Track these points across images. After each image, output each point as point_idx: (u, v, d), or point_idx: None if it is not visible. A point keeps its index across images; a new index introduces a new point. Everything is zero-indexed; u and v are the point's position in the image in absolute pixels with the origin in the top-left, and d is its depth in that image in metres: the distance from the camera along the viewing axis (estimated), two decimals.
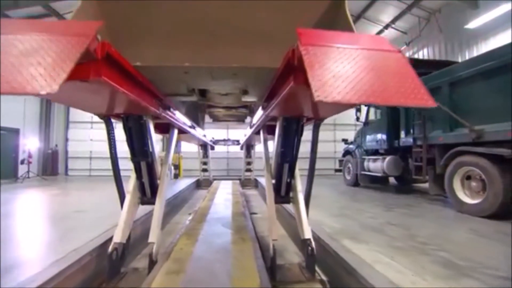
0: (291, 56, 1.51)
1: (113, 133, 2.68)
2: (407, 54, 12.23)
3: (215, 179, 9.91)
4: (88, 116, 12.56)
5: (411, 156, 6.10)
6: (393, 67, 1.36)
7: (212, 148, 10.00)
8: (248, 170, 9.94)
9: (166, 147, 3.64)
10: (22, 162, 10.74)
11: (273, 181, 3.30)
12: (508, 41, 4.58)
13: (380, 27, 12.22)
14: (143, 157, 2.86)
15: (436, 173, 5.26)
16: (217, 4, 2.21)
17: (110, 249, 2.49)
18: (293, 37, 1.48)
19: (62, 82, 1.03)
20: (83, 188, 8.04)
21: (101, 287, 2.44)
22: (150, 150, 2.85)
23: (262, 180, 6.74)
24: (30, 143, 11.23)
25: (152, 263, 2.48)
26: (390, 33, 12.32)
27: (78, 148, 12.26)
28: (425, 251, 2.75)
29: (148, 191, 3.11)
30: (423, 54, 11.40)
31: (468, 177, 4.69)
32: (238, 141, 10.10)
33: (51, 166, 11.89)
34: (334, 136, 12.76)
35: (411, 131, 6.03)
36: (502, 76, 4.03)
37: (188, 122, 4.10)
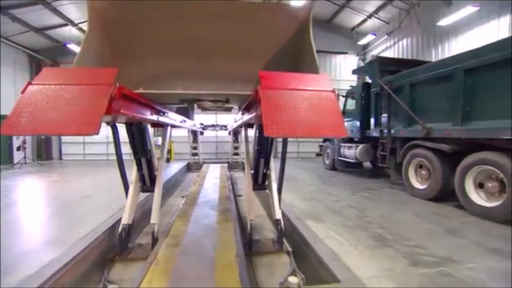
0: (255, 95, 2.17)
1: (118, 136, 3.30)
2: (388, 44, 12.83)
3: (204, 162, 10.59)
4: None
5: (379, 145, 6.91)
6: (326, 104, 2.02)
7: (202, 133, 10.58)
8: (236, 154, 10.64)
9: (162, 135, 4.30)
10: (18, 149, 10.99)
11: (252, 172, 4.05)
12: (472, 40, 5.22)
13: (364, 17, 12.66)
14: (143, 154, 3.53)
15: (397, 162, 6.09)
16: (207, 28, 2.84)
17: (119, 229, 3.18)
18: (269, 53, 2.15)
19: (99, 126, 1.66)
20: (81, 174, 8.43)
21: (115, 259, 3.14)
22: (149, 148, 3.51)
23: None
24: None
25: (154, 240, 3.19)
26: (373, 22, 12.79)
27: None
28: (366, 228, 3.57)
29: (147, 181, 3.80)
30: (403, 44, 11.97)
31: (420, 166, 5.52)
32: (226, 126, 10.69)
33: (45, 152, 12.19)
34: None
35: (380, 124, 6.79)
36: (446, 84, 4.75)
37: (179, 118, 4.70)
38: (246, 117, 3.13)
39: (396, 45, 12.29)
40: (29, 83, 1.78)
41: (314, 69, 2.55)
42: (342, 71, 14.19)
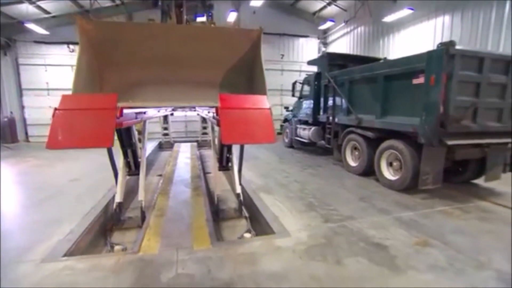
0: (216, 111, 3.16)
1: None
2: (345, 30, 13.91)
3: (175, 142, 11.38)
4: (43, 83, 12.47)
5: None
6: (264, 119, 3.07)
7: (172, 114, 11.22)
8: (204, 133, 11.54)
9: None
10: None
11: (217, 156, 5.16)
12: (412, 36, 6.39)
13: (324, 3, 13.49)
14: (129, 146, 4.43)
15: (338, 143, 7.46)
16: (177, 45, 3.75)
17: (114, 206, 4.11)
18: (227, 64, 3.21)
19: (113, 139, 2.57)
20: (58, 158, 8.46)
21: (113, 229, 4.08)
22: (134, 141, 4.41)
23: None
24: None
25: (142, 213, 4.17)
26: (332, 9, 13.71)
27: (37, 115, 12.32)
28: (302, 198, 4.84)
29: (133, 166, 4.72)
30: (358, 32, 13.12)
31: (355, 148, 6.92)
32: (194, 107, 11.39)
33: (10, 134, 12.00)
34: (281, 101, 14.52)
35: (327, 111, 8.05)
36: (372, 84, 6.00)
37: (155, 112, 5.53)
38: (212, 120, 4.17)
39: (352, 32, 13.43)
40: (56, 109, 2.62)
41: (263, 91, 3.56)
42: (304, 54, 15.17)
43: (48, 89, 12.49)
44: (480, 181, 5.77)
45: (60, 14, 12.28)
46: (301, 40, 15.17)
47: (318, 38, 15.47)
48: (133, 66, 4.01)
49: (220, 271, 2.61)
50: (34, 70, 12.64)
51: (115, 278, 2.50)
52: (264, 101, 3.23)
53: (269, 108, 3.20)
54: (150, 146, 10.15)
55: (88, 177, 5.92)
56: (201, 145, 11.40)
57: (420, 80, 4.82)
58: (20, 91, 12.67)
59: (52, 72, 12.59)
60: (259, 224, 4.25)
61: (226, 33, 4.44)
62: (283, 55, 14.69)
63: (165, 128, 11.20)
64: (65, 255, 2.91)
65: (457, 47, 4.42)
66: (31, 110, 12.76)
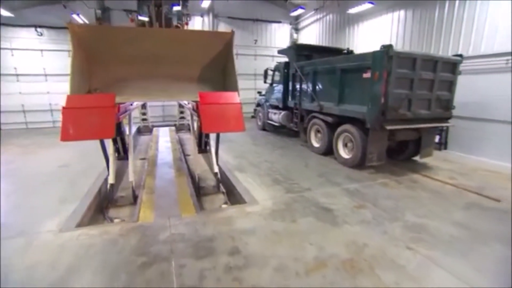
0: (196, 106, 3.90)
1: None
2: (316, 17, 14.60)
3: (153, 126, 11.83)
4: (10, 68, 12.09)
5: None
6: (235, 112, 3.86)
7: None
8: (182, 118, 12.06)
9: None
10: None
11: (197, 140, 5.92)
12: (373, 27, 7.25)
13: None
14: (119, 134, 5.04)
15: (304, 127, 8.42)
16: (158, 45, 4.36)
17: (108, 186, 4.77)
18: (203, 60, 3.99)
19: (114, 130, 3.26)
20: (38, 145, 8.37)
21: (108, 206, 4.74)
22: (122, 129, 5.04)
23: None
24: None
25: (134, 192, 4.87)
26: None
27: (7, 102, 12.06)
28: (271, 175, 5.76)
29: (121, 152, 5.35)
30: (327, 20, 13.85)
31: (318, 131, 7.90)
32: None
33: None
34: (255, 85, 15.14)
35: (294, 97, 8.92)
36: (332, 76, 6.90)
37: (139, 103, 6.10)
38: (192, 111, 4.91)
39: (322, 20, 14.13)
40: (63, 108, 3.23)
41: (235, 88, 4.30)
42: (277, 39, 15.75)
43: (17, 75, 12.17)
44: (417, 158, 6.99)
45: None
46: (274, 25, 15.68)
47: (290, 24, 16.05)
48: (119, 63, 4.57)
49: (204, 230, 3.46)
50: None
51: (123, 238, 3.27)
52: (235, 97, 4.00)
53: (240, 103, 3.98)
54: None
55: (76, 163, 6.35)
56: (179, 128, 11.95)
57: (368, 74, 5.76)
58: None
59: (20, 57, 12.22)
60: (233, 197, 5.13)
61: (202, 35, 5.07)
62: (256, 40, 15.17)
63: (144, 114, 11.58)
64: (77, 226, 3.60)
65: (396, 49, 5.37)
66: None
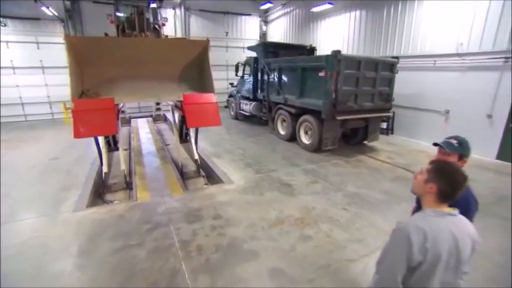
0: (181, 105, 4.81)
1: None
2: (284, 11, 15.48)
3: (131, 118, 12.30)
4: (7, 61, 11.78)
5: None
6: (212, 110, 4.83)
7: None
8: (158, 109, 12.63)
9: None
10: None
11: (178, 131, 6.80)
12: (332, 25, 8.37)
13: None
14: None
15: (272, 117, 9.51)
16: (143, 51, 5.12)
17: (103, 175, 5.55)
18: (183, 62, 4.98)
19: (116, 128, 4.12)
20: (20, 139, 8.37)
21: (104, 192, 5.52)
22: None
23: (169, 115, 9.92)
24: None
25: (125, 178, 5.69)
26: None
27: (5, 94, 11.79)
28: (243, 160, 6.81)
29: (112, 144, 6.11)
30: (294, 14, 14.77)
31: (283, 120, 9.02)
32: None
33: None
34: (227, 75, 15.89)
35: (263, 90, 9.93)
36: (294, 72, 7.98)
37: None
38: (174, 108, 5.79)
39: (289, 14, 15.01)
40: (74, 111, 4.00)
41: (211, 89, 5.20)
42: (247, 31, 16.47)
43: (13, 67, 11.85)
44: (367, 142, 8.37)
45: None
46: (244, 18, 16.34)
47: (260, 17, 16.79)
48: (109, 66, 5.27)
49: (192, 203, 4.46)
50: None
51: (129, 213, 4.17)
52: (212, 98, 4.94)
53: (216, 102, 4.93)
54: None
55: (65, 155, 6.92)
56: (155, 119, 12.54)
57: (322, 73, 6.90)
58: None
59: None
60: (212, 179, 6.13)
61: (181, 42, 5.87)
62: (227, 33, 15.80)
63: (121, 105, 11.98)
64: (87, 207, 4.42)
65: (343, 53, 6.52)
66: None
